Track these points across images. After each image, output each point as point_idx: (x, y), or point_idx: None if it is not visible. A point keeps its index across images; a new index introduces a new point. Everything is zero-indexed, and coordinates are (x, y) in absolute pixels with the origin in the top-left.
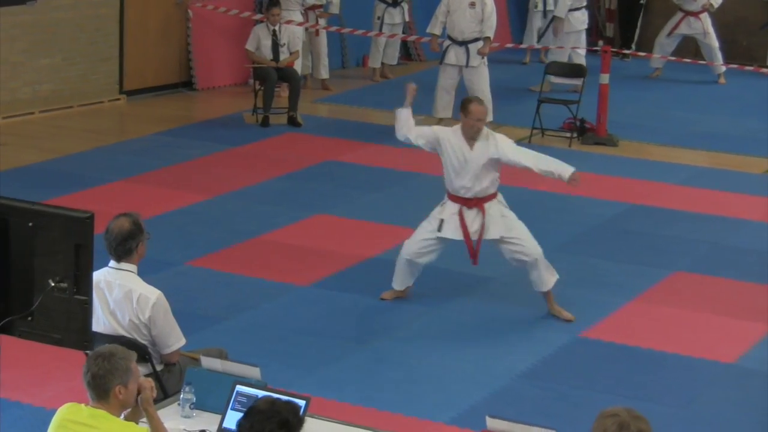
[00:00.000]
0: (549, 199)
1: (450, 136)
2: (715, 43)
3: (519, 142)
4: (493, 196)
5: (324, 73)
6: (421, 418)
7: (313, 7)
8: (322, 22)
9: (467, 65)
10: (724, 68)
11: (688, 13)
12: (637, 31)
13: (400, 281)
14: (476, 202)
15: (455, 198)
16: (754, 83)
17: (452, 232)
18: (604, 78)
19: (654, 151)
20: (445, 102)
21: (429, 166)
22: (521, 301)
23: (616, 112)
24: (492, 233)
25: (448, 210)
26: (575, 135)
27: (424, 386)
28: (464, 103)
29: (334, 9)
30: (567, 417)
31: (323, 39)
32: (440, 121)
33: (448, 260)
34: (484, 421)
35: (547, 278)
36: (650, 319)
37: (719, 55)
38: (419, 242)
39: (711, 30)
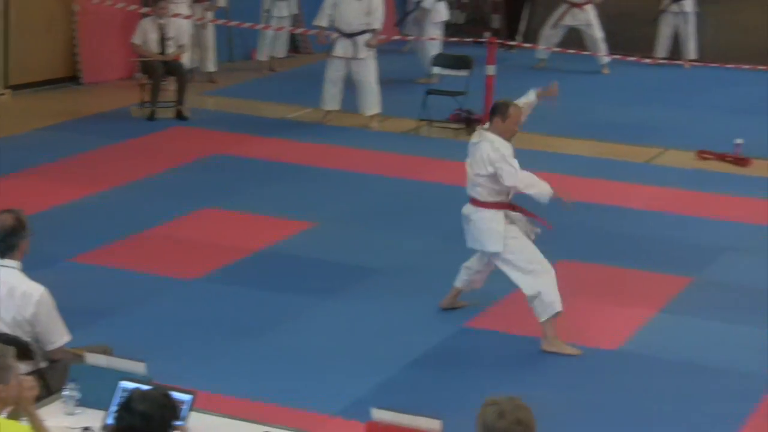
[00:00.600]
0: (435, 190)
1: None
2: (600, 34)
3: (407, 133)
4: None
5: (211, 67)
6: (308, 410)
7: (200, 0)
8: (209, 14)
9: (355, 57)
10: (608, 59)
11: (573, 5)
12: (523, 22)
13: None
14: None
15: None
16: (637, 73)
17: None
18: (491, 69)
19: (540, 141)
20: (332, 94)
21: (316, 159)
22: (407, 293)
23: None
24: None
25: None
26: (462, 126)
27: (311, 378)
28: (502, 106)
29: (221, 2)
30: (453, 406)
31: (210, 32)
32: (327, 114)
33: (335, 252)
34: (371, 413)
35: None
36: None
37: (603, 46)
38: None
39: (595, 21)
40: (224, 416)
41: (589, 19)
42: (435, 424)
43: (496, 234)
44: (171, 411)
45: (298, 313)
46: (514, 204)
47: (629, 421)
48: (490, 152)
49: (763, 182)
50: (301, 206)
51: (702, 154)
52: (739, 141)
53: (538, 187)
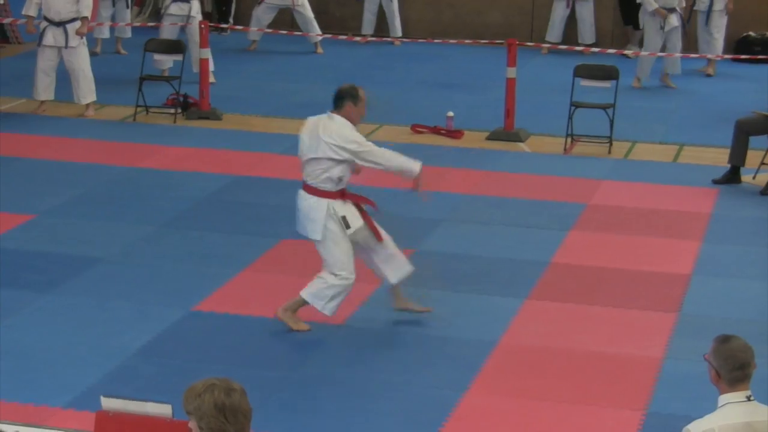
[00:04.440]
0: (155, 176)
1: None
2: (310, 14)
3: (124, 121)
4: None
5: None
6: (37, 404)
7: None
8: None
9: (66, 46)
10: (320, 38)
11: None
12: (233, 4)
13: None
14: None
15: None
16: (348, 52)
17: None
18: (204, 53)
19: (256, 123)
20: (45, 84)
21: (30, 151)
22: (131, 281)
23: (218, 85)
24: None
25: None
26: (179, 111)
27: (38, 372)
28: (352, 91)
29: None
30: (182, 391)
31: None
32: (42, 104)
33: (54, 245)
34: (100, 402)
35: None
36: (259, 288)
37: (315, 25)
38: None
39: (305, 0)
40: None
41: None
42: (165, 408)
43: (319, 222)
44: None
45: (18, 309)
46: (345, 192)
47: (356, 392)
48: (348, 134)
49: (475, 153)
50: (17, 199)
51: (416, 128)
52: (450, 114)
53: (406, 162)
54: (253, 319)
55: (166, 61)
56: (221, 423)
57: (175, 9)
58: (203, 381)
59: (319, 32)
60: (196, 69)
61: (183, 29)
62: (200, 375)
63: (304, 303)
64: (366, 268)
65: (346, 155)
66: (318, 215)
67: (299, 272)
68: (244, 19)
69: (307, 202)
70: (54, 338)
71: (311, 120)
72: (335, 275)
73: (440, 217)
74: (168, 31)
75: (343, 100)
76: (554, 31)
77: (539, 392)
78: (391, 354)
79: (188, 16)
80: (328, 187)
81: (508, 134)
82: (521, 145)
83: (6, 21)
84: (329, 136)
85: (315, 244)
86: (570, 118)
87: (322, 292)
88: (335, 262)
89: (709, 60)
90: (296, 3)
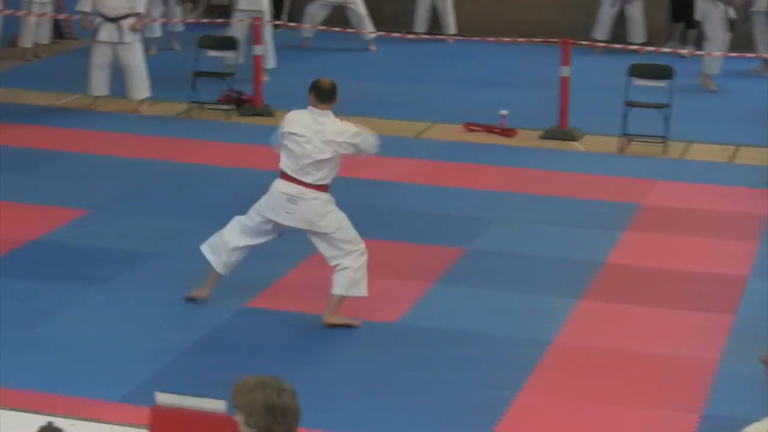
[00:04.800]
0: (205, 172)
1: None
2: (364, 11)
3: (178, 117)
4: None
5: None
6: (91, 398)
7: None
8: None
9: (120, 42)
10: (373, 35)
11: None
12: (288, 1)
13: None
14: None
15: None
16: (401, 49)
17: None
18: (257, 50)
19: None
20: (99, 80)
21: (85, 146)
22: (183, 277)
23: (271, 82)
24: None
25: None
26: (233, 107)
27: (92, 366)
28: (333, 87)
29: None
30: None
31: None
32: (96, 99)
33: (108, 240)
34: (155, 397)
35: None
36: (311, 285)
37: (368, 23)
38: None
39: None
40: (5, 408)
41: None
42: (220, 404)
43: (332, 215)
44: None
45: (73, 303)
46: None
47: (409, 391)
48: (348, 128)
49: (529, 152)
50: (71, 194)
51: (469, 127)
52: (504, 112)
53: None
54: (306, 316)
55: (228, 58)
56: (269, 422)
57: (244, 4)
58: (255, 377)
59: (373, 29)
60: (272, 65)
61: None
62: (252, 371)
63: (342, 299)
64: (417, 268)
65: (351, 150)
66: (329, 208)
67: None
68: (297, 15)
69: (313, 202)
70: (108, 333)
71: (302, 117)
72: (358, 252)
73: (493, 216)
74: (236, 27)
75: (334, 95)
76: (602, 28)
77: (594, 393)
78: (444, 353)
79: (259, 11)
80: (330, 181)
81: (562, 133)
82: (575, 144)
83: (61, 17)
84: (338, 135)
85: (321, 238)
86: (625, 117)
87: (354, 279)
88: (354, 238)
89: (766, 60)
90: (349, 0)
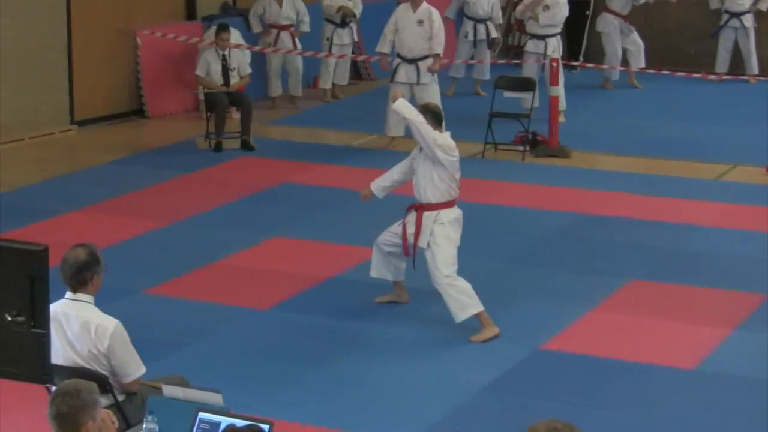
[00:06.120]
0: (503, 212)
1: None
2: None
3: (473, 157)
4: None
5: (298, 91)
6: None
7: (285, 27)
8: (297, 40)
9: (418, 83)
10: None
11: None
12: (584, 42)
13: (374, 267)
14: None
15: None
16: (700, 89)
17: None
18: (554, 90)
19: (605, 161)
20: (396, 120)
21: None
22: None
23: (567, 122)
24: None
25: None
26: (528, 148)
27: (386, 404)
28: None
29: (305, 27)
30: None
31: (298, 58)
32: (393, 140)
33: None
34: None
35: (455, 310)
36: (608, 328)
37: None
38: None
39: (638, 40)
40: None
41: (635, 39)
42: None
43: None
44: None
45: (369, 340)
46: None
47: None
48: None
49: None
50: (369, 233)
51: None
52: None
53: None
54: (603, 360)
55: (526, 99)
56: None
57: (531, 47)
58: (546, 422)
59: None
60: (563, 106)
61: (542, 67)
62: (545, 415)
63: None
64: (717, 312)
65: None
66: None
67: (650, 312)
68: (595, 56)
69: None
70: (400, 371)
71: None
72: (453, 275)
73: None
74: (528, 67)
75: (441, 120)
76: (720, 61)
77: None
78: (744, 400)
79: (544, 54)
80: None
81: None
82: None
83: (360, 58)
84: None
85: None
86: None
87: (465, 299)
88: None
89: None
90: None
